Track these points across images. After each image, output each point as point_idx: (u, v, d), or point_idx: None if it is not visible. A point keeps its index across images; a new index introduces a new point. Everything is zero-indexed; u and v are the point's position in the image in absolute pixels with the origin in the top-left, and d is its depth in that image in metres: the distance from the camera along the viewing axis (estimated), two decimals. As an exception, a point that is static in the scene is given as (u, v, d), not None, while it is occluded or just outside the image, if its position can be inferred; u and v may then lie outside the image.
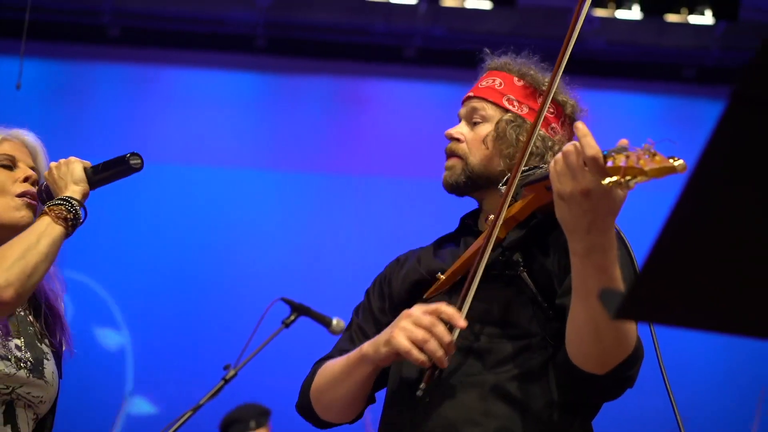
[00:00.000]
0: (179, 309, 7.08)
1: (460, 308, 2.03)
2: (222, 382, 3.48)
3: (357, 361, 2.13)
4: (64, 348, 2.35)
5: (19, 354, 2.19)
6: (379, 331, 2.25)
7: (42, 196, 2.32)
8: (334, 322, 3.76)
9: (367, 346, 2.10)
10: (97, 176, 2.33)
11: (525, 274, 2.12)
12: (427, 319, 1.97)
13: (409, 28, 7.42)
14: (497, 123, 2.26)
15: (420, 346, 1.96)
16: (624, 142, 1.75)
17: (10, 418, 2.16)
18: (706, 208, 0.95)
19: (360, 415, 2.31)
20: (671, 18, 7.30)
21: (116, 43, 7.47)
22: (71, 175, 2.28)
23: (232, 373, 3.50)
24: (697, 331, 1.03)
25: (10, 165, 2.32)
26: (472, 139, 2.28)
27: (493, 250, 2.09)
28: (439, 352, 1.95)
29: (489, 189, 2.25)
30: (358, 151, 7.57)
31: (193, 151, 7.38)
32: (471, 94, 2.34)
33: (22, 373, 2.17)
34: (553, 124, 2.29)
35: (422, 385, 1.98)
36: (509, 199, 2.07)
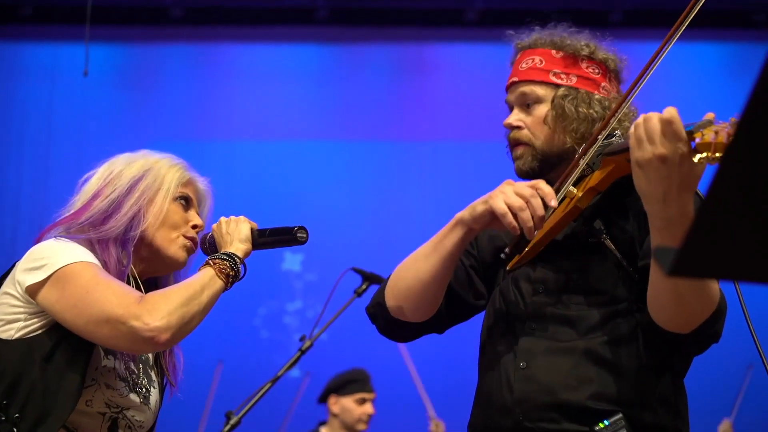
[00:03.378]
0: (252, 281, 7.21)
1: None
2: (299, 353, 3.54)
3: (449, 228, 2.15)
4: (168, 382, 2.43)
5: (134, 378, 2.28)
6: (459, 279, 2.32)
7: (205, 245, 2.42)
8: (406, 289, 3.79)
9: (459, 214, 2.13)
10: (261, 239, 2.39)
11: (608, 240, 2.14)
12: (527, 190, 2.02)
13: (470, -10, 7.37)
14: (553, 101, 2.26)
15: (515, 212, 2.00)
16: (710, 115, 1.75)
17: None
18: (755, 158, 0.94)
19: (435, 324, 2.31)
20: (738, -38, 7.14)
21: (179, 23, 7.54)
22: (238, 234, 2.36)
23: (308, 343, 3.56)
24: (753, 284, 1.02)
25: (187, 207, 2.42)
26: (532, 123, 2.28)
27: (574, 220, 2.13)
28: (530, 223, 1.98)
29: (562, 166, 2.26)
30: (423, 117, 7.55)
31: (260, 126, 7.44)
32: (515, 79, 2.32)
33: (134, 396, 2.26)
34: (603, 84, 2.30)
35: (506, 250, 2.04)
36: (580, 166, 2.10)
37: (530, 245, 2.15)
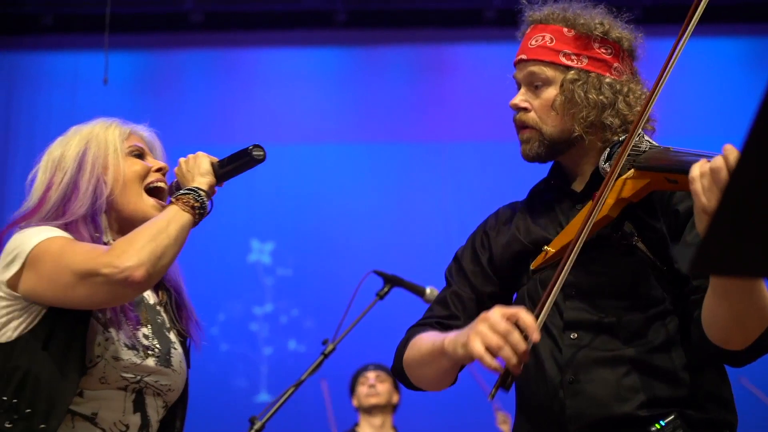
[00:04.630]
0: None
1: (550, 292, 2.00)
2: (321, 357, 3.53)
3: (439, 352, 2.10)
4: (189, 339, 2.43)
5: (146, 342, 2.26)
6: (475, 294, 2.29)
7: (172, 192, 2.39)
8: (428, 290, 3.78)
9: (447, 341, 2.05)
10: (222, 169, 2.38)
11: (640, 242, 2.10)
12: (503, 326, 1.90)
13: (488, -11, 7.36)
14: (562, 85, 2.18)
15: (494, 352, 1.90)
16: None
17: (140, 406, 2.23)
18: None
19: (453, 383, 2.30)
20: (757, -45, 7.08)
21: (199, 29, 7.57)
22: (198, 168, 2.34)
23: (330, 347, 3.55)
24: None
25: (141, 155, 2.41)
26: (539, 106, 2.21)
27: (605, 227, 2.08)
28: (513, 360, 1.87)
29: (570, 150, 2.22)
30: (443, 118, 7.54)
31: (280, 130, 7.45)
32: (524, 56, 2.23)
33: (150, 361, 2.24)
34: (615, 64, 2.22)
35: (492, 390, 1.93)
36: (611, 183, 2.03)
37: (554, 247, 2.11)
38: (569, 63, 2.20)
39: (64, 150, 2.37)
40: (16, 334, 2.17)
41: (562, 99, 2.18)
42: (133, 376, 2.21)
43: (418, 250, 6.62)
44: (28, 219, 2.29)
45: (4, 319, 2.18)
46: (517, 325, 1.90)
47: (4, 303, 2.19)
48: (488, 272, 2.32)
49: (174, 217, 2.21)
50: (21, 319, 2.17)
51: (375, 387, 5.61)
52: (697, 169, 1.82)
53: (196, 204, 2.25)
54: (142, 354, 2.23)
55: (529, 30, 2.26)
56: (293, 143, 7.45)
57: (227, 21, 7.64)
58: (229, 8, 7.62)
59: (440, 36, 7.72)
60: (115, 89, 6.83)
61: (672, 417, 2.04)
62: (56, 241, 2.16)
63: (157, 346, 2.29)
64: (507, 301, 2.31)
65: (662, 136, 2.26)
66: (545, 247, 2.13)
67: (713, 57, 7.30)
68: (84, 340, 2.15)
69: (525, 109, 2.23)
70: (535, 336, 1.88)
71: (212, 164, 2.37)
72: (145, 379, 2.23)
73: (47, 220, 2.26)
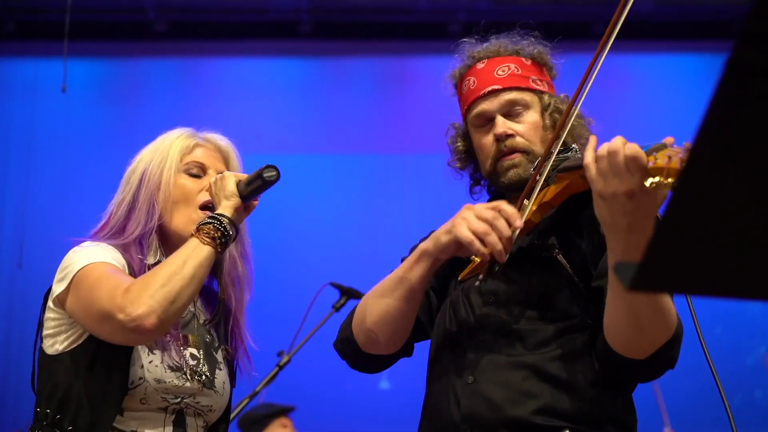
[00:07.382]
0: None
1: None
2: (276, 369, 3.52)
3: (414, 261, 2.10)
4: (236, 359, 2.37)
5: (192, 363, 2.21)
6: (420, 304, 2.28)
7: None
8: (384, 303, 3.78)
9: (425, 243, 2.08)
10: (247, 189, 2.27)
11: (560, 256, 2.12)
12: (489, 213, 1.96)
13: (453, 3, 7.38)
14: (542, 108, 2.25)
15: (481, 238, 1.95)
16: (668, 139, 1.72)
17: (180, 425, 2.19)
18: (711, 175, 0.94)
19: (404, 350, 2.28)
20: (719, -26, 7.16)
21: (163, 38, 7.54)
22: (223, 191, 2.25)
23: (285, 359, 3.55)
24: (712, 297, 1.02)
25: (200, 174, 2.32)
26: (526, 130, 2.24)
27: (528, 234, 2.10)
28: (499, 246, 1.93)
29: None
30: (407, 130, 7.55)
31: (243, 140, 7.39)
32: (498, 86, 2.27)
33: (194, 384, 2.19)
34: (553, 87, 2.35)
35: (481, 276, 2.00)
36: (540, 183, 2.06)
37: (481, 259, 2.12)
38: (540, 87, 2.28)
39: (138, 163, 2.31)
40: (61, 348, 2.14)
41: (548, 121, 2.24)
42: (174, 397, 2.16)
43: (379, 262, 6.59)
44: (99, 234, 2.26)
45: (53, 331, 2.17)
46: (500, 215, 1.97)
47: (54, 315, 2.17)
48: (432, 292, 2.34)
49: (191, 254, 2.12)
50: (68, 334, 2.15)
51: None
52: (590, 155, 1.83)
53: (216, 234, 2.17)
54: (187, 375, 2.18)
55: (483, 65, 2.32)
56: (255, 153, 7.38)
57: (191, 30, 7.61)
58: (193, 17, 7.59)
59: (405, 48, 7.74)
60: (77, 98, 6.79)
61: None
62: (98, 268, 2.11)
63: (204, 366, 2.23)
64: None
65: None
66: (472, 256, 2.13)
67: (680, 73, 7.36)
68: (128, 362, 2.10)
69: (511, 136, 2.24)
70: (519, 222, 1.96)
71: (237, 183, 2.27)
72: (186, 400, 2.18)
73: (108, 238, 2.23)
